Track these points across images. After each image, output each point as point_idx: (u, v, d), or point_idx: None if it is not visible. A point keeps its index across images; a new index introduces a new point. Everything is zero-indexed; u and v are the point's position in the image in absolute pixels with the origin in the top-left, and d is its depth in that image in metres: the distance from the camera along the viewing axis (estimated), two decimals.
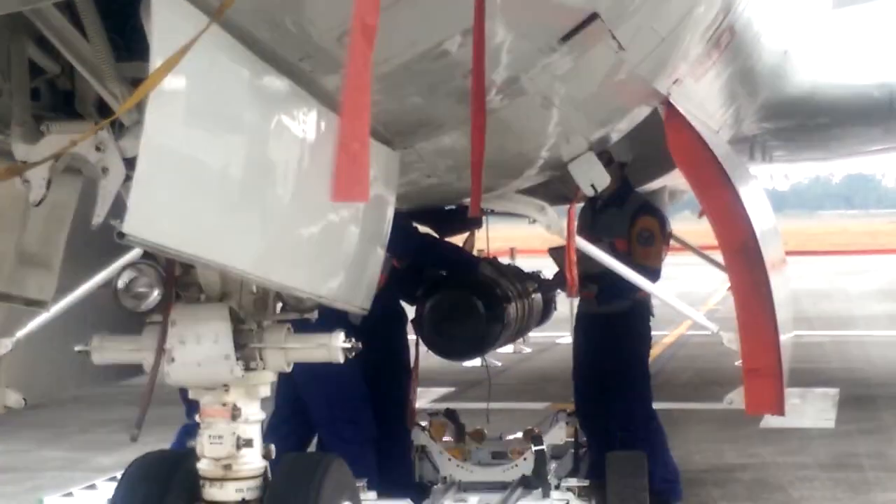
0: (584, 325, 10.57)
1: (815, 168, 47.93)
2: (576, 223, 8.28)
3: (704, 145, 7.57)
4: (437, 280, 9.07)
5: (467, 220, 9.85)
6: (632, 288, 8.90)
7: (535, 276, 10.81)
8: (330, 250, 5.21)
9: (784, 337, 7.41)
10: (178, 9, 3.96)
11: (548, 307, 11.15)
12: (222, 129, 4.30)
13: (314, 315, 5.70)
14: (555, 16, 5.38)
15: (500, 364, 20.19)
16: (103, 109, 4.60)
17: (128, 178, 4.36)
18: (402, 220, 6.10)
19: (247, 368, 5.56)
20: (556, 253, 9.44)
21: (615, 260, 8.22)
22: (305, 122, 4.72)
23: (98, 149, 4.50)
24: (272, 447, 5.78)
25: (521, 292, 9.77)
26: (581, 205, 10.20)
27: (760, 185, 10.54)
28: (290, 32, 4.33)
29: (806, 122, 16.45)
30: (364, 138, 4.07)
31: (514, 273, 10.43)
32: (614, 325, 10.11)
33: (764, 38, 10.71)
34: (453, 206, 9.18)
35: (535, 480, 9.00)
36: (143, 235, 4.02)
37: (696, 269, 10.34)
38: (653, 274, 10.07)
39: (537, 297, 10.45)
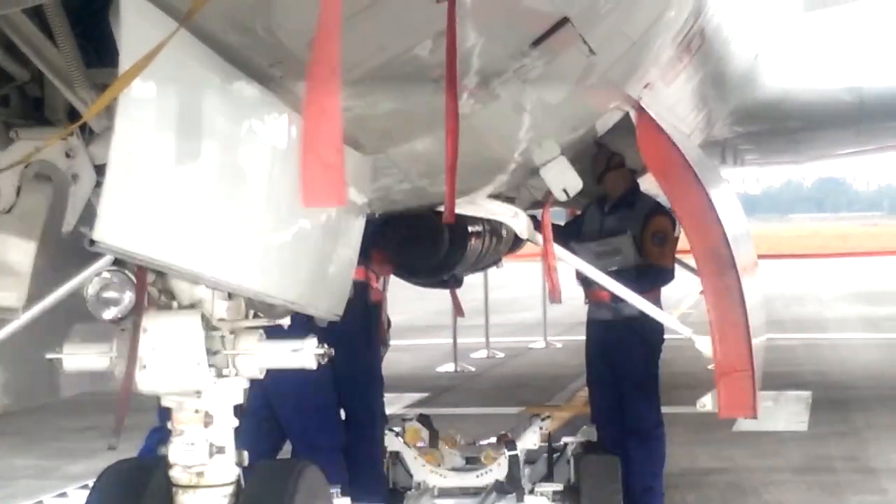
0: (595, 332, 10.47)
1: (787, 171, 48.17)
2: (550, 227, 8.26)
3: (676, 149, 7.59)
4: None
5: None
6: (642, 286, 8.84)
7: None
8: (301, 257, 5.20)
9: (756, 340, 7.43)
10: (147, 15, 3.95)
11: (518, 239, 10.88)
12: (193, 136, 4.29)
13: (286, 321, 5.68)
14: (525, 20, 5.38)
15: (473, 369, 20.19)
16: (73, 116, 4.58)
17: (98, 185, 4.34)
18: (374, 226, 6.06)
19: (219, 375, 5.53)
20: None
21: (593, 268, 8.24)
22: (277, 128, 4.71)
23: (68, 155, 4.49)
24: (245, 454, 5.75)
25: (492, 228, 9.49)
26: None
27: (732, 188, 10.57)
28: (260, 38, 4.32)
29: (777, 125, 16.53)
30: (335, 139, 4.01)
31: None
32: (625, 330, 10.04)
33: (734, 43, 10.75)
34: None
35: (509, 485, 9.00)
36: (114, 242, 4.00)
37: None
38: (667, 274, 10.09)
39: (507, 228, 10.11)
